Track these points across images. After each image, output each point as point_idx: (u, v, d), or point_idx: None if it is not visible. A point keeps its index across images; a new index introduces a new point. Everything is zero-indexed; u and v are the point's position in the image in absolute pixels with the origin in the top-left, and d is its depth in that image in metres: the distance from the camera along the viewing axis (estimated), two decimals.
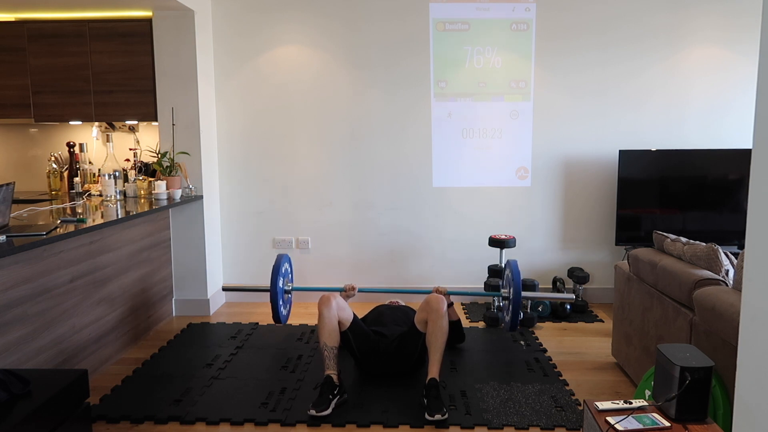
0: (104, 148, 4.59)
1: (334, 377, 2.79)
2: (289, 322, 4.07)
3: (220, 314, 4.28)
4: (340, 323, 2.96)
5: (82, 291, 3.09)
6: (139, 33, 4.05)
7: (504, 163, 4.46)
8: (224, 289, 3.83)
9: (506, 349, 3.54)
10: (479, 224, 4.50)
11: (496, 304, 4.06)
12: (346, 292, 3.46)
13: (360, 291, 3.56)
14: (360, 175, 4.49)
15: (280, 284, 3.41)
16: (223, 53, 4.39)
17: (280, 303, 3.43)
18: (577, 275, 4.30)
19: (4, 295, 2.51)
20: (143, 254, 3.77)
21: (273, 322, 4.03)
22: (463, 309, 4.39)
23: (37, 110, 4.17)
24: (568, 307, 4.14)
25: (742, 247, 4.15)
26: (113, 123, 4.57)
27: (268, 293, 3.54)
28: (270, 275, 3.50)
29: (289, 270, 3.59)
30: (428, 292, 3.34)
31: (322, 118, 4.45)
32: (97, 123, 4.58)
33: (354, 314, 3.06)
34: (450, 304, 3.32)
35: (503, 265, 3.71)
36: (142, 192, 3.98)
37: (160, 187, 3.84)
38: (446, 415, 2.61)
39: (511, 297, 3.24)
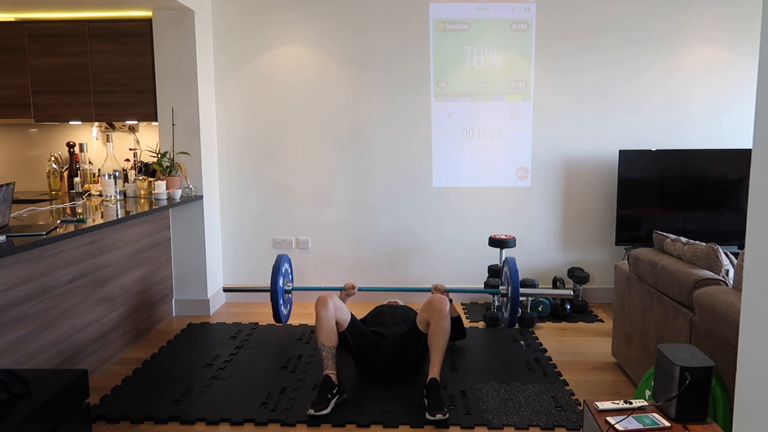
0: (104, 148, 4.59)
1: (333, 377, 2.79)
2: (289, 322, 4.07)
3: (220, 314, 4.28)
4: (337, 324, 2.95)
5: (82, 291, 3.09)
6: (139, 33, 4.05)
7: (504, 163, 4.46)
8: (225, 290, 3.85)
9: (506, 349, 3.54)
10: (479, 224, 4.50)
11: (496, 303, 4.06)
12: (346, 291, 3.47)
13: (360, 290, 3.56)
14: (360, 175, 4.49)
15: (281, 284, 3.42)
16: (223, 53, 4.39)
17: (281, 303, 3.44)
18: (577, 275, 4.30)
19: (4, 295, 2.51)
20: (143, 254, 3.77)
21: (273, 322, 4.04)
22: (463, 309, 4.39)
23: (37, 110, 4.17)
24: (568, 306, 4.14)
25: (742, 247, 4.15)
26: (113, 123, 4.57)
27: (269, 294, 3.56)
28: (270, 275, 3.54)
29: (289, 270, 3.61)
30: (427, 290, 3.35)
31: (322, 118, 4.45)
32: (97, 123, 4.58)
33: (352, 315, 3.06)
34: (449, 301, 3.34)
35: (502, 264, 3.72)
36: (142, 192, 3.99)
37: (160, 187, 3.84)
38: (447, 415, 2.61)
39: (509, 294, 3.25)
